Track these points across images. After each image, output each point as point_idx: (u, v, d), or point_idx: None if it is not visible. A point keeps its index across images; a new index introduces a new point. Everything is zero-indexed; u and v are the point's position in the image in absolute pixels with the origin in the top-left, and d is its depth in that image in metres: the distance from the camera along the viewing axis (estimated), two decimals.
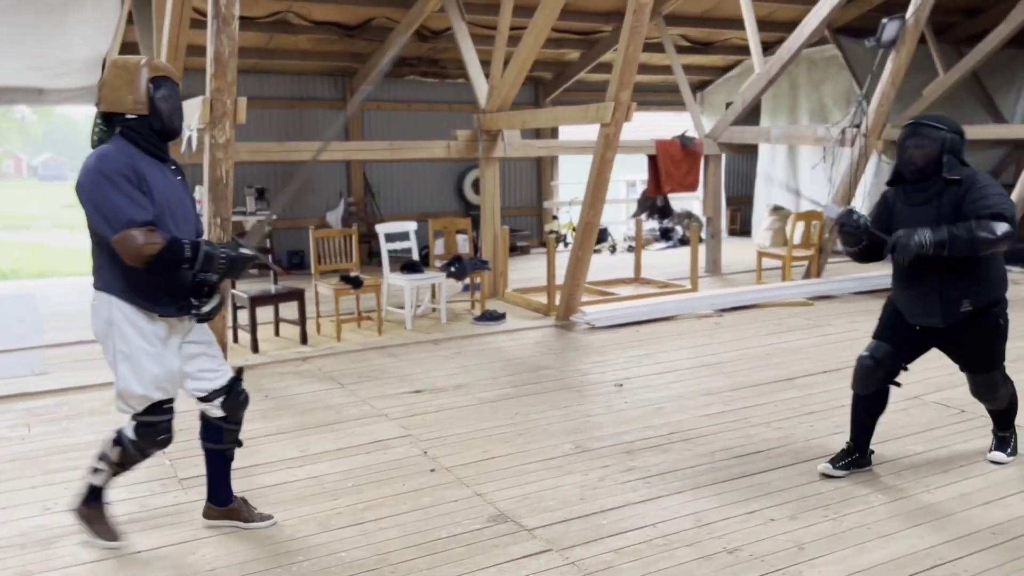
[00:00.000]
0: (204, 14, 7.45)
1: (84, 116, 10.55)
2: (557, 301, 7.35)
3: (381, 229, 7.31)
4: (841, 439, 4.26)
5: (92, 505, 3.23)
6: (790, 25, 10.18)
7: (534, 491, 3.70)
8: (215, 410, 3.21)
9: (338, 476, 3.90)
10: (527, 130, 10.22)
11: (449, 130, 11.32)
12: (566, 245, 12.27)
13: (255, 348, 6.26)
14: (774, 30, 10.99)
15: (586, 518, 3.42)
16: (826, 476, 3.78)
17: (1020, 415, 4.00)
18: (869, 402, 3.86)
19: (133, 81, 2.93)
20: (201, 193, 9.56)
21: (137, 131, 2.94)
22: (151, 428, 3.10)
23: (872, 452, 3.93)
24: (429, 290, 7.67)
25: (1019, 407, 3.94)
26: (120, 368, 2.98)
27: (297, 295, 6.49)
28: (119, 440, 3.12)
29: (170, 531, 3.35)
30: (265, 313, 6.69)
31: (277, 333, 6.78)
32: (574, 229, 12.40)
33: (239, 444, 3.34)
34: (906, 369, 3.83)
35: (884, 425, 4.46)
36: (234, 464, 4.03)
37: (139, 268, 2.83)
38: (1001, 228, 3.31)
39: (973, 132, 10.52)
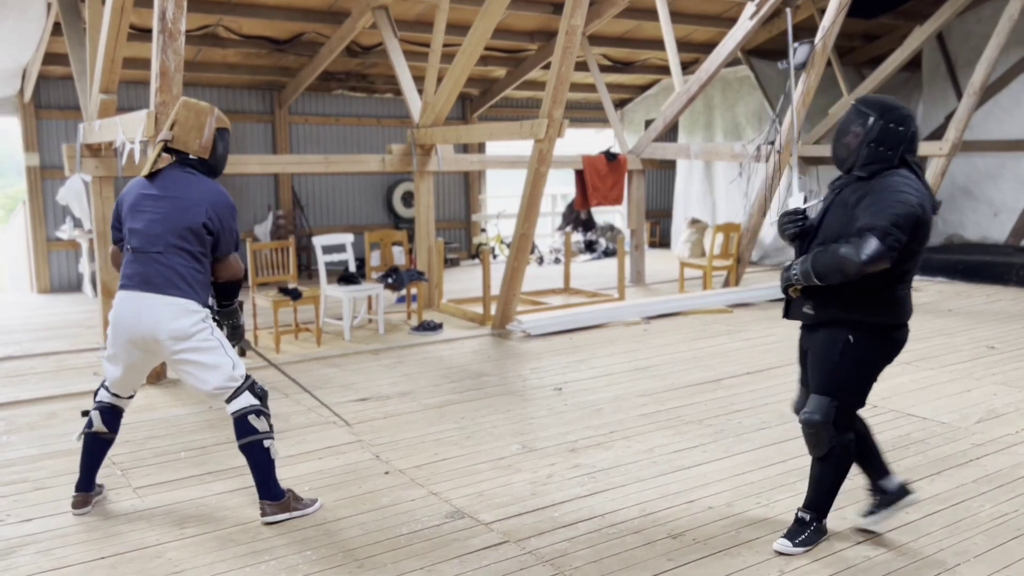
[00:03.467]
0: (138, 28, 7.43)
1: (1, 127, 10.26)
2: (492, 311, 7.55)
3: (318, 241, 7.37)
4: (767, 434, 4.59)
5: (283, 494, 3.58)
6: (705, 46, 10.72)
7: (487, 489, 3.87)
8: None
9: (293, 481, 3.98)
10: (456, 145, 10.43)
11: (377, 144, 11.47)
12: (494, 257, 12.50)
13: None
14: (690, 51, 11.52)
15: (539, 511, 3.61)
16: (863, 530, 3.37)
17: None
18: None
19: (202, 128, 3.47)
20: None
21: (198, 169, 3.52)
22: (257, 384, 3.57)
23: (907, 484, 3.40)
24: (366, 302, 7.76)
25: (832, 491, 3.27)
26: (227, 348, 3.49)
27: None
28: (257, 411, 3.51)
29: (131, 537, 3.39)
30: None
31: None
32: (502, 241, 12.67)
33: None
34: None
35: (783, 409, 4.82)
36: (186, 472, 4.12)
37: (213, 281, 3.57)
38: (865, 249, 2.83)
39: None
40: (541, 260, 12.69)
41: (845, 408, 3.15)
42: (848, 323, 3.07)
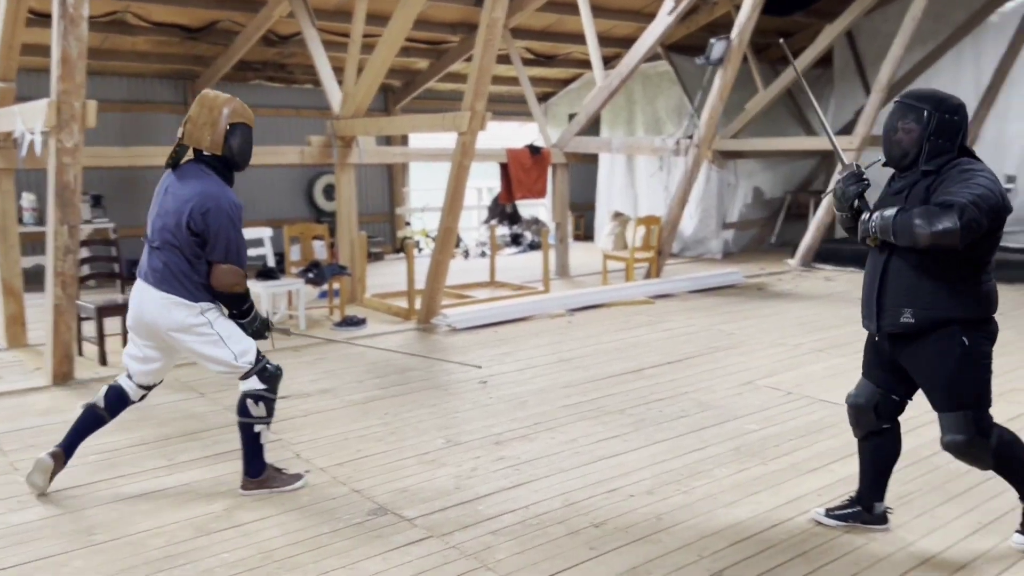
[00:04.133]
0: (38, 13, 7.08)
1: None
2: (417, 305, 7.49)
3: None
4: (686, 422, 4.69)
5: (262, 471, 3.76)
6: (627, 41, 10.85)
7: (411, 484, 3.84)
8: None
9: (210, 482, 3.88)
10: (379, 137, 10.29)
11: (296, 135, 11.21)
12: (419, 251, 12.41)
13: (103, 360, 6.00)
14: (612, 46, 11.65)
15: (463, 505, 3.60)
16: (817, 523, 3.38)
17: None
18: (867, 445, 3.35)
19: (215, 124, 3.49)
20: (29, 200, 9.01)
21: (213, 165, 3.56)
22: (267, 369, 3.67)
23: (889, 511, 3.38)
24: (286, 297, 7.60)
25: None
26: (230, 339, 3.59)
27: None
28: (257, 396, 3.65)
29: (35, 546, 3.23)
30: (113, 324, 6.42)
31: (126, 344, 6.50)
32: (427, 235, 12.59)
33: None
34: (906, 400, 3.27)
35: (724, 407, 4.95)
36: (96, 476, 3.96)
37: (210, 284, 3.54)
38: (942, 222, 2.68)
39: (791, 143, 11.66)
40: (467, 254, 12.66)
41: (983, 413, 2.97)
42: (954, 323, 2.90)
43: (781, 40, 4.01)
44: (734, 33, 8.65)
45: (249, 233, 7.30)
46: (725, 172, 11.66)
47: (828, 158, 12.76)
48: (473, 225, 13.80)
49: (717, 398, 5.15)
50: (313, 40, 8.36)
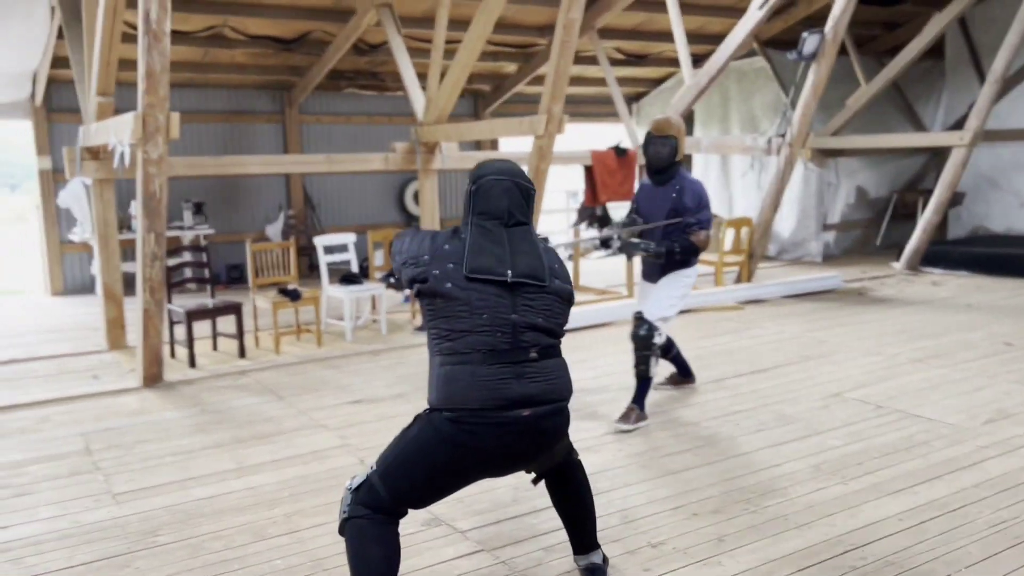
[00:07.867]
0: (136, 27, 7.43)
1: (12, 131, 10.41)
2: None
3: (319, 241, 7.33)
4: (766, 436, 4.46)
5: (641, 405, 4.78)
6: (719, 38, 10.50)
7: (468, 495, 3.77)
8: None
9: (274, 487, 3.94)
10: (467, 142, 10.34)
11: (389, 142, 11.40)
12: None
13: (192, 363, 6.22)
14: (705, 43, 11.32)
15: (518, 519, 3.52)
16: None
17: None
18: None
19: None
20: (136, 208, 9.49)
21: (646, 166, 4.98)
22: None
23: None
24: (369, 302, 7.71)
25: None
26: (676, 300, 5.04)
27: (235, 309, 6.48)
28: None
29: (102, 545, 3.35)
30: (202, 328, 6.67)
31: (215, 347, 6.75)
32: None
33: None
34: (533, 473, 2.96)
35: (806, 421, 4.69)
36: (169, 477, 4.08)
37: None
38: None
39: (896, 140, 11.03)
40: None
41: (384, 487, 2.58)
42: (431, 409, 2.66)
43: None
44: (828, 26, 8.24)
45: (332, 239, 7.45)
46: (825, 171, 11.15)
47: (938, 155, 12.01)
48: (562, 228, 13.70)
49: (800, 411, 4.88)
50: (399, 48, 8.46)
